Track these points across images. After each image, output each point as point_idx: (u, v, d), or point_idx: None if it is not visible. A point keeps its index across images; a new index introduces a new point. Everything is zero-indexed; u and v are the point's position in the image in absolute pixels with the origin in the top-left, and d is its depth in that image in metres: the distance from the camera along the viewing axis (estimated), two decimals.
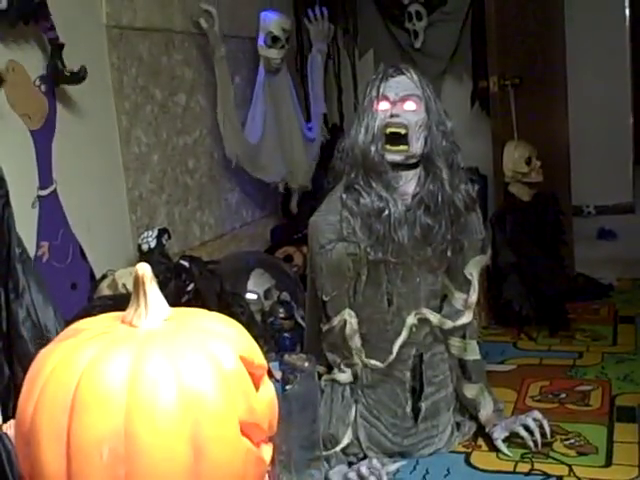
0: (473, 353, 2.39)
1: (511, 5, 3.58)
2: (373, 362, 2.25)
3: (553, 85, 3.87)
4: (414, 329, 2.27)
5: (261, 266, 3.15)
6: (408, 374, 2.31)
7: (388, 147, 2.20)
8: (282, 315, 2.91)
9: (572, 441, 2.32)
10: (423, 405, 2.32)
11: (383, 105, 2.21)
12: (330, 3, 4.56)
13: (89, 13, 2.74)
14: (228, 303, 2.58)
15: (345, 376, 2.28)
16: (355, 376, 2.29)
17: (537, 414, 2.31)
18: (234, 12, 3.72)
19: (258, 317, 2.85)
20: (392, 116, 2.19)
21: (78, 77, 2.48)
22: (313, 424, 2.05)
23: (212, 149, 3.57)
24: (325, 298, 2.23)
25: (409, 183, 2.23)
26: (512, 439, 2.32)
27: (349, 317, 2.23)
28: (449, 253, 2.26)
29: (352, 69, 4.77)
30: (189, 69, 3.38)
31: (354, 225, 2.18)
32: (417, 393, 2.33)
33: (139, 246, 2.77)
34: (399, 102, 2.21)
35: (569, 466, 2.18)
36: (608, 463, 2.19)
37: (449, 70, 4.65)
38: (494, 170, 3.61)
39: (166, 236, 2.80)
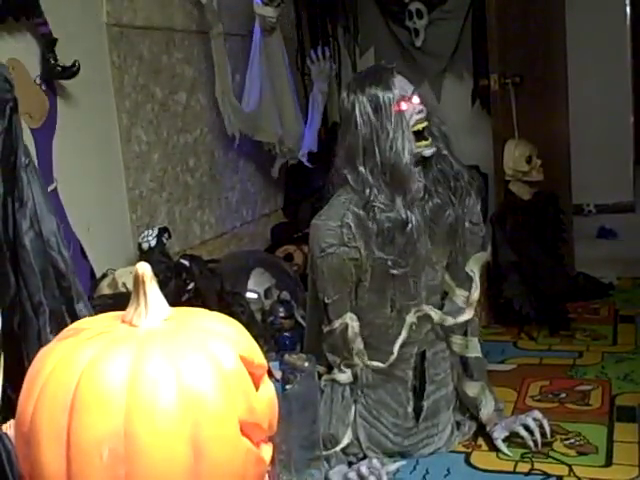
0: (474, 350, 2.40)
1: (512, 4, 3.57)
2: (375, 363, 2.25)
3: (554, 84, 3.87)
4: (414, 327, 2.27)
5: (261, 265, 3.15)
6: (411, 373, 2.31)
7: (424, 143, 2.17)
8: (282, 314, 2.91)
9: (572, 441, 2.32)
10: (425, 404, 2.32)
11: (404, 105, 2.17)
12: (331, 1, 4.57)
13: (89, 12, 2.74)
14: (228, 302, 2.58)
15: (345, 376, 2.27)
16: (355, 376, 2.28)
17: (537, 414, 2.31)
18: (235, 10, 3.72)
19: (258, 316, 2.85)
20: (419, 112, 2.18)
21: (71, 72, 2.47)
22: (313, 424, 2.05)
23: (213, 147, 3.57)
24: (327, 301, 2.21)
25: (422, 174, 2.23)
26: (512, 439, 2.31)
27: (350, 321, 2.22)
28: (462, 227, 2.26)
29: (353, 67, 4.77)
30: (189, 67, 3.38)
31: (372, 245, 2.14)
32: (418, 392, 2.32)
33: (139, 245, 2.78)
34: (411, 98, 2.19)
35: (569, 466, 2.18)
36: (608, 463, 2.19)
37: (450, 68, 4.64)
38: (494, 169, 3.60)
39: (166, 235, 2.80)
